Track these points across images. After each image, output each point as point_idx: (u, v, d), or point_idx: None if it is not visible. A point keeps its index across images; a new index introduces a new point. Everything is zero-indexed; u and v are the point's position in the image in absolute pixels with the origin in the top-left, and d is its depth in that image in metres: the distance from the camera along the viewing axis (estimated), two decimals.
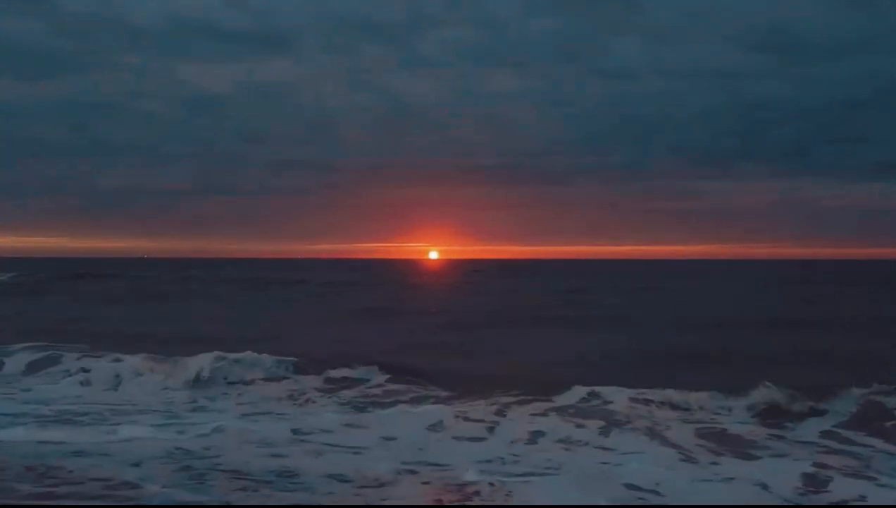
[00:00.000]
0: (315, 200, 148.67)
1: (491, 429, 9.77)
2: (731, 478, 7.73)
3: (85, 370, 13.48)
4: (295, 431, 9.66)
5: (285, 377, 13.00)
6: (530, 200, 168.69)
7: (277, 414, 10.74)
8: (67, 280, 58.71)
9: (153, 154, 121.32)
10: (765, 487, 7.34)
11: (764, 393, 10.59)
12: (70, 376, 13.55)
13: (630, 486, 7.32)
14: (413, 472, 7.80)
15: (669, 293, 42.54)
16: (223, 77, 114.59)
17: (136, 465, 8.32)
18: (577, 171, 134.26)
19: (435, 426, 9.91)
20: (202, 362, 12.41)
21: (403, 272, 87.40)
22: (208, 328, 23.12)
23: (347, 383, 13.35)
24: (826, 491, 7.31)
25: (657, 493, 7.21)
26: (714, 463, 8.40)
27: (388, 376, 13.65)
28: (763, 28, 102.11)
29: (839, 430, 9.74)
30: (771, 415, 10.46)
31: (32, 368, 14.89)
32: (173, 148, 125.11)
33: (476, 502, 6.89)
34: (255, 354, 13.30)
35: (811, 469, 7.95)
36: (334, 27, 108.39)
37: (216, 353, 12.85)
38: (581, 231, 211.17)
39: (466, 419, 10.23)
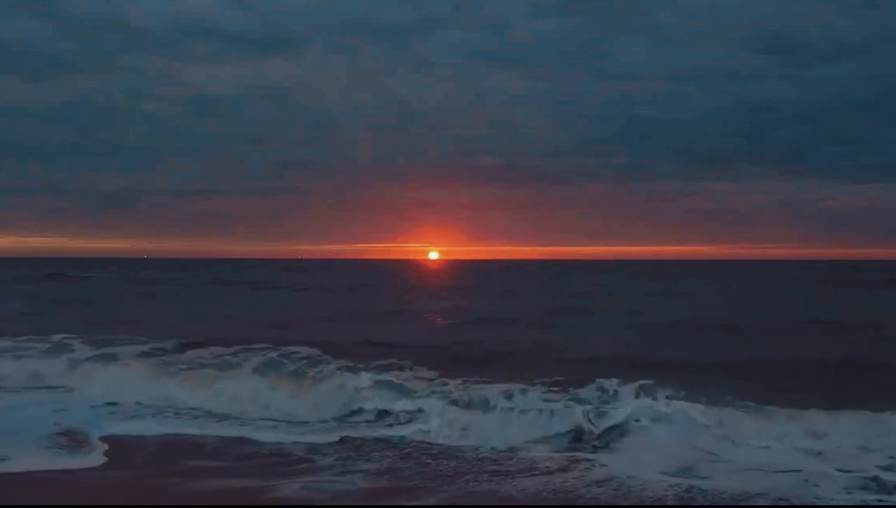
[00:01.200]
0: (315, 200, 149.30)
1: (553, 412, 11.35)
2: None
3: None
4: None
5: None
6: (534, 200, 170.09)
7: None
8: (49, 280, 58.68)
9: (155, 155, 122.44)
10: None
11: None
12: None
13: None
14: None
15: (674, 294, 44.04)
16: (226, 78, 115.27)
17: (298, 441, 9.95)
18: (581, 172, 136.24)
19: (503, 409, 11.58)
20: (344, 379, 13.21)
21: (405, 273, 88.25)
22: (214, 328, 23.64)
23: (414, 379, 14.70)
24: None
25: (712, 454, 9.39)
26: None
27: (424, 368, 14.71)
28: (766, 30, 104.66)
29: None
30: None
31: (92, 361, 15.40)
32: (175, 148, 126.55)
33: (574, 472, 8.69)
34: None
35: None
36: (338, 29, 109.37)
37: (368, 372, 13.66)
38: (585, 232, 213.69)
39: (544, 403, 11.70)
